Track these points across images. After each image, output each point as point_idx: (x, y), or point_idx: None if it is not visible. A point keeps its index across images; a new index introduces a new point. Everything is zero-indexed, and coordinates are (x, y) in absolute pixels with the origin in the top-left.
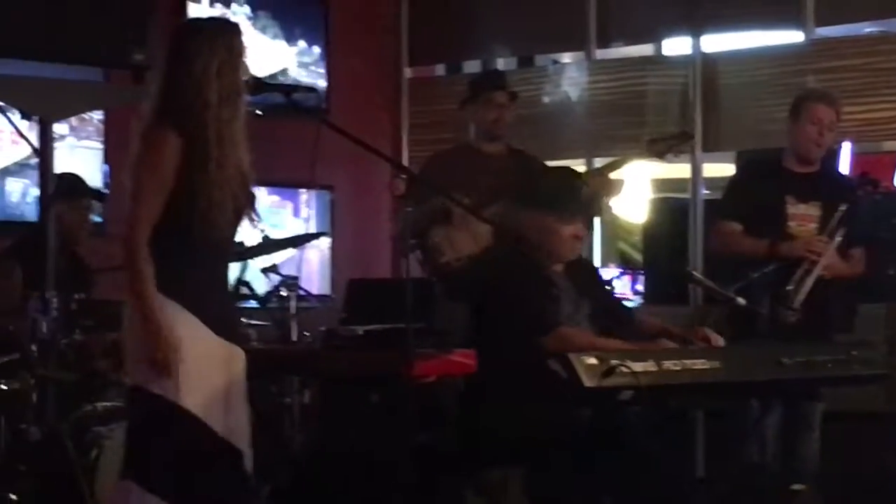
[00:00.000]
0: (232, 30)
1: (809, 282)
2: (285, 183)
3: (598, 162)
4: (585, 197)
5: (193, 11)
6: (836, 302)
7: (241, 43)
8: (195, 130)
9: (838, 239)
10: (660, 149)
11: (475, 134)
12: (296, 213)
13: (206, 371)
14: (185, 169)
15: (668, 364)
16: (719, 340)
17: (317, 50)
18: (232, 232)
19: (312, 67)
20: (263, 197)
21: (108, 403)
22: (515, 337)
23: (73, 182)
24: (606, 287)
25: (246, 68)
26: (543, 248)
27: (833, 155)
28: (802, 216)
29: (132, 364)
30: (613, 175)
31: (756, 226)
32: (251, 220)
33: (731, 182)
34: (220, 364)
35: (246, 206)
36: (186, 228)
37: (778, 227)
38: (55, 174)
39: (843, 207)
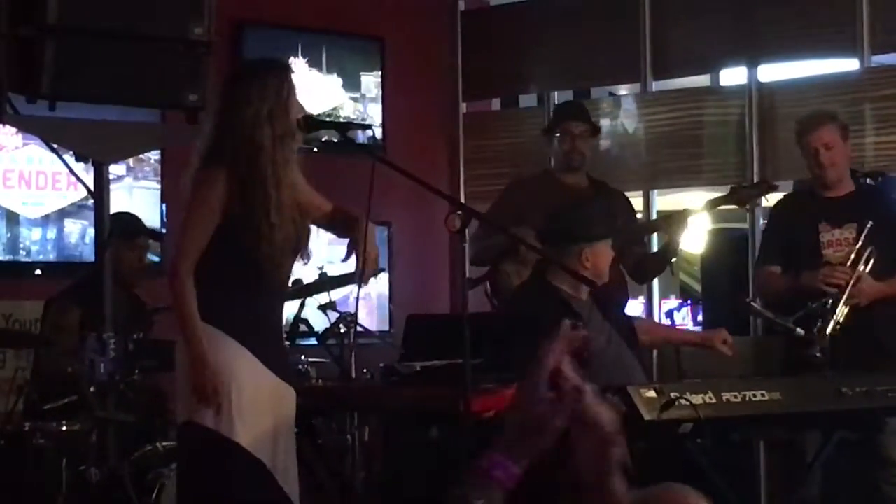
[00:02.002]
0: (282, 71)
1: (840, 314)
2: None
3: (656, 194)
4: (600, 213)
5: (248, 51)
6: (887, 325)
7: (291, 83)
8: (250, 174)
9: (870, 262)
10: (741, 197)
11: (554, 163)
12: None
13: (258, 405)
14: (239, 211)
15: (728, 395)
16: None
17: (373, 86)
18: (288, 271)
19: (369, 104)
20: (322, 233)
21: (169, 443)
22: None
23: (129, 221)
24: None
25: (299, 107)
26: (597, 275)
27: (878, 176)
28: (838, 241)
29: (184, 399)
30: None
31: (795, 260)
32: (303, 257)
33: (768, 222)
34: (271, 400)
35: (302, 245)
36: (246, 269)
37: (815, 256)
38: (114, 213)
39: (869, 224)
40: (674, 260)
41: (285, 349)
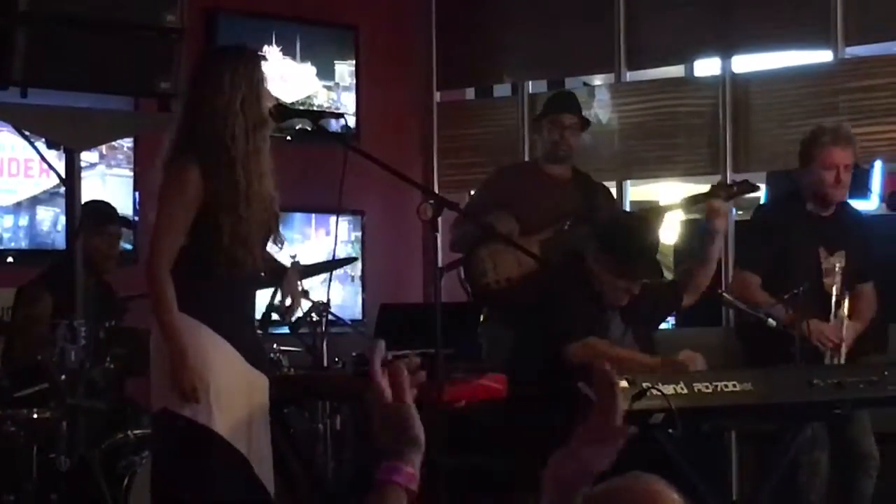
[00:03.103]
0: (253, 58)
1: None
2: (315, 208)
3: (629, 185)
4: (653, 256)
5: (222, 38)
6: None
7: (262, 71)
8: (221, 164)
9: (845, 304)
10: (722, 194)
11: (540, 153)
12: (327, 237)
13: (234, 395)
14: (212, 201)
15: (700, 386)
16: (697, 361)
17: (347, 75)
18: (260, 259)
19: (342, 92)
20: (295, 222)
21: (141, 431)
22: (548, 355)
23: (100, 209)
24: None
25: (270, 95)
26: (601, 287)
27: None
28: (830, 270)
29: (159, 387)
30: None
31: (786, 277)
32: (277, 242)
33: (754, 226)
34: (245, 388)
35: (272, 232)
36: (213, 261)
37: (815, 285)
38: (87, 202)
39: (840, 263)
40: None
41: (258, 337)
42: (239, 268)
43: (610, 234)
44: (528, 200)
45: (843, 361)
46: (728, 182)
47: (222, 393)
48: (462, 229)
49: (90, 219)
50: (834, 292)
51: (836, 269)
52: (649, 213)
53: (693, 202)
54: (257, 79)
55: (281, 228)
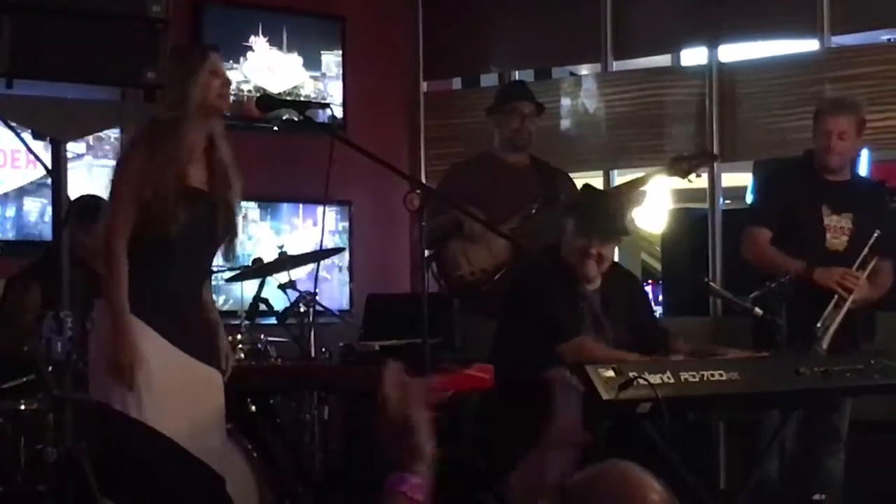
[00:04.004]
0: (202, 52)
1: (839, 318)
2: (302, 198)
3: (617, 174)
4: (620, 221)
5: (208, 28)
6: (861, 321)
7: (211, 63)
8: (159, 150)
9: (870, 267)
10: (682, 168)
11: (498, 143)
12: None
13: (170, 386)
14: (151, 189)
15: (686, 375)
16: None
17: (334, 65)
18: (204, 254)
19: (329, 82)
20: (282, 212)
21: None
22: (534, 346)
23: (89, 206)
24: (646, 306)
25: (220, 88)
26: (574, 267)
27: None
28: (836, 228)
29: (94, 376)
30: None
31: (790, 233)
32: (228, 248)
33: (763, 185)
34: (189, 384)
35: (219, 230)
36: (152, 249)
37: (815, 238)
38: (76, 196)
39: (876, 234)
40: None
41: (206, 329)
42: (176, 258)
43: (574, 202)
44: (491, 191)
45: (843, 312)
46: (685, 154)
47: (156, 387)
48: (430, 225)
49: (80, 215)
50: (847, 246)
51: (841, 227)
52: (617, 188)
53: (652, 175)
54: (204, 70)
55: (242, 230)
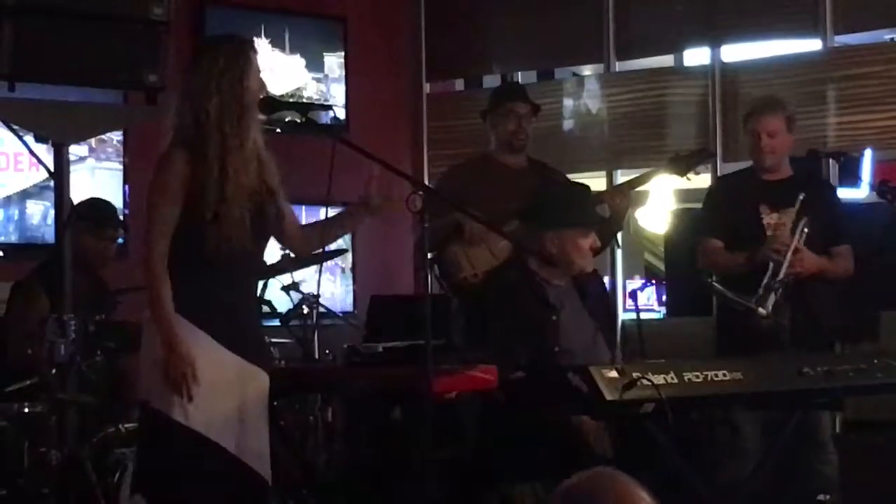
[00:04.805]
0: (239, 43)
1: (777, 281)
2: (305, 200)
3: (619, 174)
4: (599, 209)
5: (210, 30)
6: (829, 304)
7: (247, 56)
8: (200, 146)
9: (805, 231)
10: (681, 166)
11: (495, 145)
12: None
13: (218, 391)
14: (195, 189)
15: (690, 375)
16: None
17: (336, 66)
18: (252, 248)
19: (332, 84)
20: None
21: (131, 425)
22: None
23: (100, 209)
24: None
25: (259, 83)
26: (563, 261)
27: (812, 159)
28: (776, 225)
29: (144, 379)
30: (637, 189)
31: (736, 239)
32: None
33: (706, 197)
34: (235, 384)
35: (268, 223)
36: (200, 245)
37: (756, 238)
38: (84, 199)
39: (801, 197)
40: (619, 233)
41: (256, 330)
42: (222, 260)
43: (548, 207)
44: (489, 193)
45: (784, 273)
46: (683, 153)
47: (203, 387)
48: (430, 227)
49: (88, 219)
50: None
51: (782, 223)
52: (613, 191)
53: (652, 175)
54: (242, 62)
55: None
